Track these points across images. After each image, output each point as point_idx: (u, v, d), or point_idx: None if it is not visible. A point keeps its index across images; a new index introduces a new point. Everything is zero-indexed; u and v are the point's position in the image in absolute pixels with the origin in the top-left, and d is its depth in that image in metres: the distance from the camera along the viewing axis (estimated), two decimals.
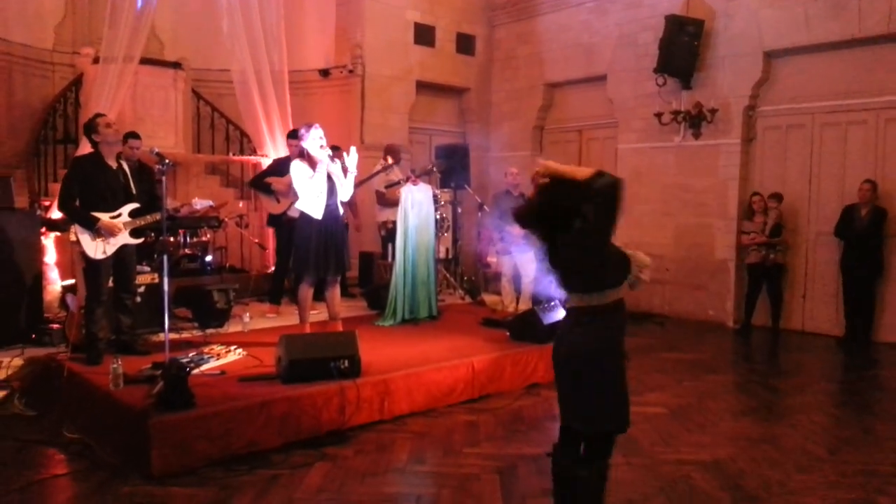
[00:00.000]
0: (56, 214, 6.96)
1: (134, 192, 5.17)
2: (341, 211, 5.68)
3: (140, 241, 5.24)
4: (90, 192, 4.97)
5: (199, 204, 5.76)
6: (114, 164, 5.10)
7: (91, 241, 4.95)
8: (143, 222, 5.14)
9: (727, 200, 8.59)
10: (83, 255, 5.02)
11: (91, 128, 5.07)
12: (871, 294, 7.42)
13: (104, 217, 4.96)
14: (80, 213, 4.96)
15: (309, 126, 5.54)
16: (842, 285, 7.62)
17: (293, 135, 7.26)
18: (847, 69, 7.76)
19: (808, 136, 8.10)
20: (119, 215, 5.05)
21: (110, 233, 4.96)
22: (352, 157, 5.58)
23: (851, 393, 5.76)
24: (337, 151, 5.98)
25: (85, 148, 7.02)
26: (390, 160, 8.21)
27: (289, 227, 7.00)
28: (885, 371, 6.46)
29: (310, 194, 5.44)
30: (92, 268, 5.03)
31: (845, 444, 4.44)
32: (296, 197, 5.64)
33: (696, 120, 8.66)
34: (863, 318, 7.46)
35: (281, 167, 7.13)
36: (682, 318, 8.81)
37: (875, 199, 7.35)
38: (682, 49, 8.52)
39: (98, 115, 5.21)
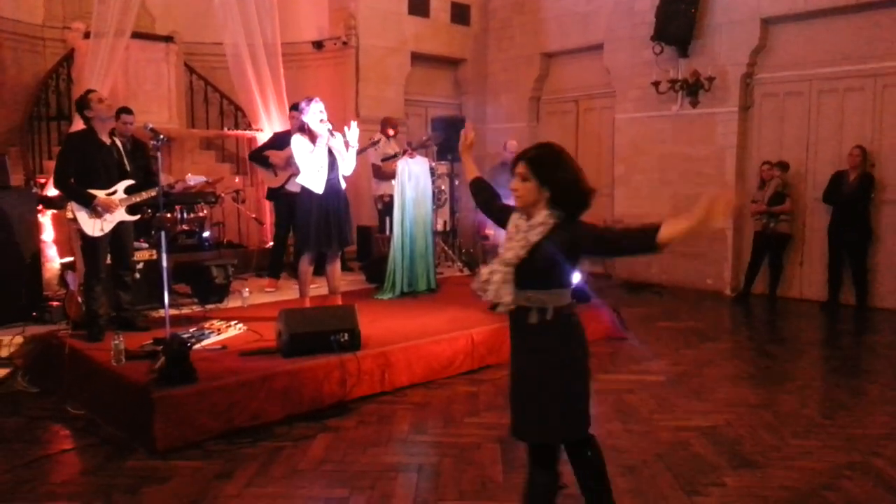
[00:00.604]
0: (52, 192, 6.93)
1: (128, 168, 5.14)
2: (343, 185, 5.66)
3: (137, 217, 5.23)
4: (84, 169, 4.94)
5: (193, 180, 5.73)
6: (107, 140, 5.06)
7: (88, 219, 4.94)
8: (139, 199, 5.11)
9: (725, 169, 8.58)
10: (80, 232, 5.01)
11: (83, 104, 5.01)
12: (863, 260, 7.46)
13: (100, 194, 4.94)
14: (77, 191, 4.93)
15: (309, 100, 5.50)
16: (828, 250, 7.66)
17: (295, 107, 7.22)
18: (845, 35, 7.71)
19: (805, 103, 8.06)
20: (115, 192, 5.03)
21: (107, 209, 4.94)
22: (353, 132, 5.54)
23: (846, 359, 5.81)
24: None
25: (78, 124, 7.00)
26: (391, 132, 8.19)
27: (287, 201, 6.99)
28: (878, 337, 6.52)
29: (310, 168, 5.42)
30: (90, 245, 5.02)
31: (840, 409, 4.50)
32: (295, 171, 5.61)
33: (693, 88, 8.61)
34: (857, 285, 7.50)
35: (280, 141, 7.11)
36: (680, 287, 8.85)
37: (864, 164, 7.36)
38: (678, 16, 8.44)
39: (90, 91, 5.15)
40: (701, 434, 4.06)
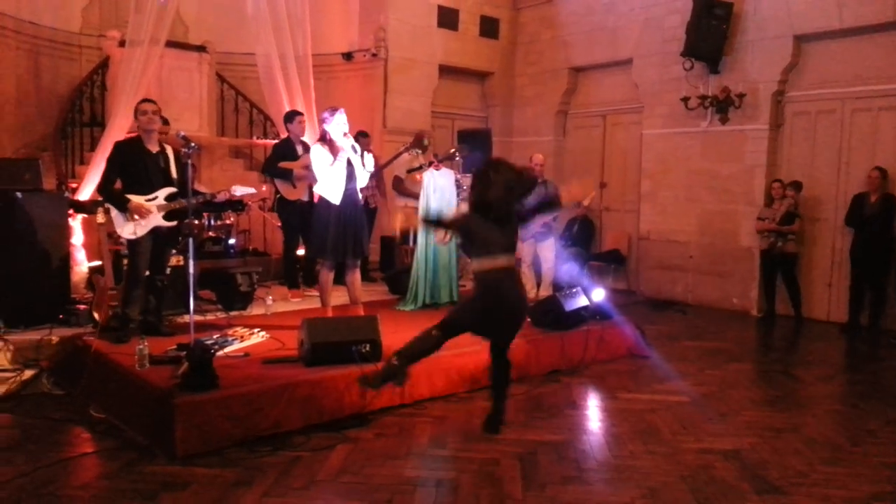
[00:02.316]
0: (84, 196, 7.06)
1: (174, 176, 5.25)
2: (360, 195, 5.68)
3: (174, 223, 5.30)
4: (129, 175, 5.12)
5: (240, 191, 5.67)
6: (154, 148, 5.20)
7: (123, 222, 5.10)
8: (178, 206, 5.21)
9: (753, 187, 8.47)
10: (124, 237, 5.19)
11: (135, 112, 5.21)
12: (883, 282, 7.33)
13: (137, 199, 5.07)
14: (114, 195, 5.11)
15: (334, 110, 5.51)
16: (850, 273, 7.53)
17: (290, 119, 7.27)
18: (879, 54, 7.58)
19: (837, 122, 7.94)
20: (155, 198, 5.16)
21: (139, 214, 5.06)
22: (368, 161, 5.63)
23: (874, 383, 5.68)
24: (365, 139, 5.91)
25: (111, 130, 7.14)
26: (426, 142, 8.17)
27: (299, 210, 7.01)
28: None
29: (329, 179, 5.44)
30: (130, 248, 5.20)
31: (868, 436, 4.39)
32: (312, 181, 5.60)
33: (723, 105, 8.52)
34: (874, 307, 7.37)
35: (284, 150, 7.13)
36: (705, 306, 8.73)
37: (885, 185, 7.25)
38: (709, 32, 8.38)
39: (143, 101, 5.27)
40: (724, 457, 3.98)
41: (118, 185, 5.14)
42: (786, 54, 8.14)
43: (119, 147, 5.27)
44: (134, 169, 5.11)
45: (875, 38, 7.58)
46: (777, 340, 7.49)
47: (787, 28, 8.09)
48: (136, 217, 5.07)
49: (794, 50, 8.11)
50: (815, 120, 8.14)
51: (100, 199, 5.90)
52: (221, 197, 5.65)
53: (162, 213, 5.17)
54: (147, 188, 5.14)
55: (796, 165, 8.25)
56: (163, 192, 5.19)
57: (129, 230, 5.10)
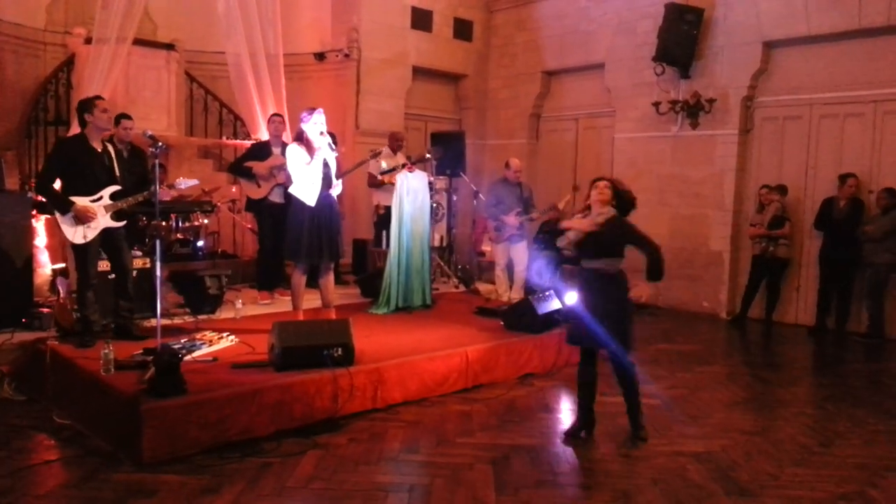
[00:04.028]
0: None
1: (118, 174, 5.12)
2: (335, 197, 5.63)
3: (123, 223, 5.18)
4: (73, 174, 4.94)
5: (184, 184, 5.54)
6: (99, 147, 5.06)
7: (70, 227, 4.92)
8: (124, 204, 5.08)
9: (723, 191, 8.57)
10: (68, 241, 5.02)
11: (87, 107, 5.02)
12: (849, 285, 7.46)
13: (81, 201, 4.91)
14: (56, 197, 4.92)
15: (311, 110, 5.47)
16: (819, 277, 7.66)
17: (276, 118, 7.21)
18: (846, 61, 7.73)
19: (805, 127, 8.07)
20: (100, 198, 5.01)
21: (84, 217, 4.89)
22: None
23: (841, 385, 5.76)
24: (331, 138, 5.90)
25: (75, 129, 6.96)
26: (397, 147, 8.18)
27: (272, 213, 6.93)
28: (876, 364, 6.49)
29: (304, 180, 5.38)
30: (78, 252, 5.01)
31: (837, 437, 4.45)
32: (285, 181, 5.55)
33: (693, 110, 8.62)
34: (840, 310, 7.51)
35: (260, 151, 7.04)
36: (676, 309, 8.81)
37: (856, 191, 7.39)
38: (680, 38, 8.46)
39: (98, 97, 5.16)
40: (696, 460, 4.01)
41: (59, 186, 4.95)
42: (755, 60, 8.25)
43: (63, 145, 5.14)
44: (78, 167, 4.94)
45: (841, 46, 7.72)
46: (747, 343, 7.58)
47: (757, 34, 8.21)
48: (83, 221, 4.89)
49: (764, 56, 8.23)
50: (784, 125, 8.26)
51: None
52: (164, 194, 5.57)
53: (109, 213, 5.04)
54: (92, 187, 4.99)
55: (765, 170, 8.37)
56: (107, 191, 5.05)
57: (79, 235, 4.92)
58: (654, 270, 4.27)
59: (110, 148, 5.16)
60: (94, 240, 4.98)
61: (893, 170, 7.42)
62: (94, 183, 5.00)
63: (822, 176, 7.93)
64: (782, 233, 7.83)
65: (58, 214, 4.93)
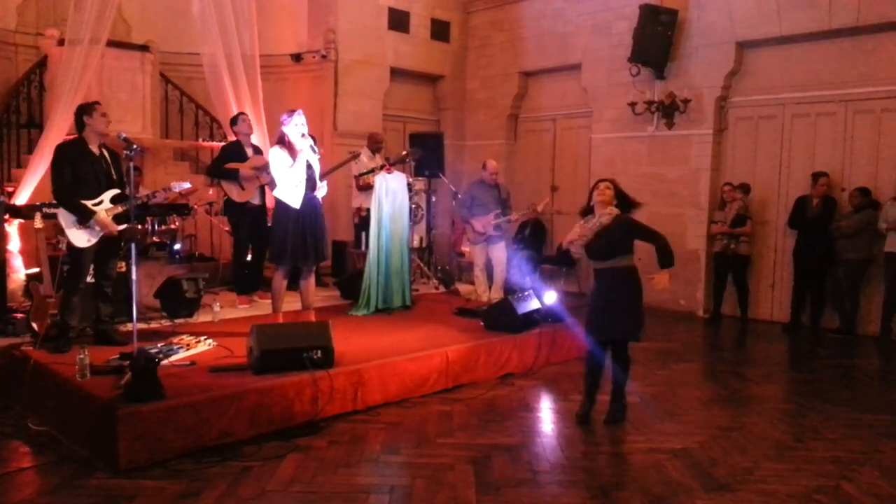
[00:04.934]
0: (21, 200, 6.79)
1: (115, 177, 5.12)
2: (320, 199, 5.62)
3: (123, 227, 5.15)
4: (74, 178, 4.93)
5: (178, 187, 5.54)
6: (96, 151, 5.05)
7: (78, 230, 4.92)
8: (123, 209, 5.06)
9: (699, 190, 8.67)
10: (67, 243, 5.00)
11: (86, 110, 5.02)
12: (822, 282, 7.59)
13: (95, 207, 4.92)
14: (78, 205, 4.90)
15: (292, 112, 5.46)
16: (793, 274, 7.78)
17: (234, 122, 7.14)
18: (817, 61, 7.86)
19: (778, 127, 8.19)
20: (101, 202, 5.00)
21: (105, 229, 4.94)
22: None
23: (815, 381, 5.86)
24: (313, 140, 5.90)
25: (49, 132, 6.88)
26: (376, 148, 8.18)
27: (252, 215, 6.88)
28: (849, 360, 6.60)
29: (288, 183, 5.36)
30: (75, 256, 5.00)
31: (811, 433, 4.52)
32: (269, 184, 5.53)
33: (669, 110, 8.71)
34: (814, 307, 7.64)
35: (233, 153, 6.97)
36: (653, 308, 8.81)
37: (828, 190, 7.52)
38: (655, 39, 8.55)
39: (96, 103, 5.15)
40: (674, 456, 4.05)
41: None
42: (728, 61, 8.36)
43: (63, 149, 5.08)
44: (79, 172, 4.94)
45: (813, 46, 7.85)
46: (723, 340, 7.68)
47: (730, 35, 8.31)
48: (98, 229, 4.93)
49: (737, 56, 8.33)
50: (757, 125, 8.38)
51: (37, 203, 5.68)
52: (160, 196, 5.54)
53: (111, 217, 5.03)
54: (95, 191, 4.98)
55: (740, 169, 8.48)
56: (108, 195, 5.03)
57: (83, 239, 4.93)
58: (666, 258, 4.47)
59: (105, 152, 5.14)
60: (93, 244, 4.98)
61: (864, 168, 7.56)
62: (96, 187, 4.99)
63: (795, 175, 8.06)
64: (744, 231, 7.97)
65: (67, 218, 4.92)
